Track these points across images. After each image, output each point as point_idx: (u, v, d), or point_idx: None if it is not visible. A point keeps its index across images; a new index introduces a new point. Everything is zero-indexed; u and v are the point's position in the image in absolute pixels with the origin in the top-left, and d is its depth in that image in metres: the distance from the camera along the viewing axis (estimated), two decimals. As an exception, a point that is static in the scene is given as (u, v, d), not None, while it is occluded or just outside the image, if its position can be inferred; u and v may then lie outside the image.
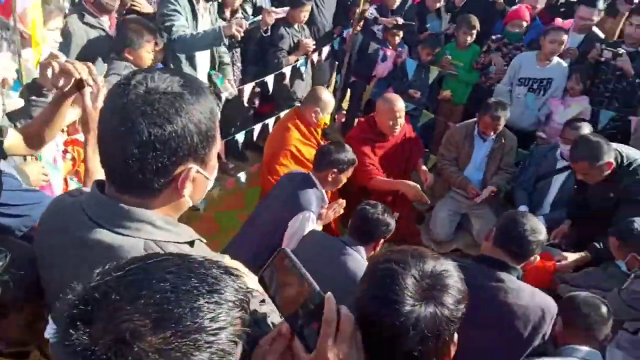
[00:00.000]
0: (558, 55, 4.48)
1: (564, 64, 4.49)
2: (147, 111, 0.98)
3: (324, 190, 3.02)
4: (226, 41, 3.83)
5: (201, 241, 1.15)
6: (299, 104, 4.07)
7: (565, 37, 4.37)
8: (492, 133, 4.02)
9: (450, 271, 1.02)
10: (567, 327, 2.34)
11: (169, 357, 0.62)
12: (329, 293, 0.86)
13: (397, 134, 3.91)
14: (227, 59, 4.21)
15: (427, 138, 5.02)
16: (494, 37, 5.03)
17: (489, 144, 4.13)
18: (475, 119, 4.16)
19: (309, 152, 3.51)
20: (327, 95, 3.68)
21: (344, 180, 3.08)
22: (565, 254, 3.29)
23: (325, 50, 5.11)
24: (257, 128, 4.41)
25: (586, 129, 3.73)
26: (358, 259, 2.53)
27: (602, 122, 4.32)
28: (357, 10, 5.01)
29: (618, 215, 3.17)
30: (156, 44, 3.29)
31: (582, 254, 3.30)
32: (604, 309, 2.31)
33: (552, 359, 2.31)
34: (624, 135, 4.20)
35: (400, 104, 3.79)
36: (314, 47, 4.85)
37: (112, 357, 0.60)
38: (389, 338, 0.94)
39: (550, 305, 2.25)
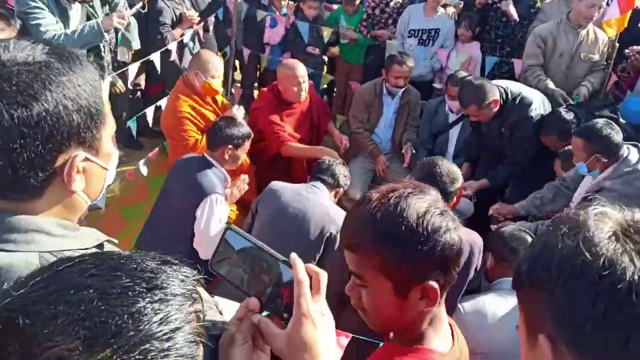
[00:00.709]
0: (443, 6, 4.61)
1: (449, 14, 4.62)
2: (5, 88, 0.78)
3: (223, 169, 2.88)
4: (107, 36, 3.46)
5: (111, 242, 0.94)
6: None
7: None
8: (403, 83, 4.01)
9: None
10: (498, 262, 2.43)
11: None
12: (292, 254, 0.80)
13: (303, 100, 3.81)
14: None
15: (329, 99, 4.98)
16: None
17: (397, 101, 4.15)
18: (381, 77, 4.14)
19: (209, 119, 3.34)
20: (208, 56, 3.42)
21: (243, 155, 2.95)
22: (465, 183, 3.42)
23: (211, 22, 4.81)
24: (150, 112, 4.02)
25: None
26: (318, 200, 2.71)
27: (488, 67, 4.54)
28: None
29: (510, 148, 3.44)
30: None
31: (481, 181, 3.56)
32: (530, 240, 2.41)
33: (484, 295, 2.40)
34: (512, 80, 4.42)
35: (301, 70, 3.70)
36: (198, 19, 4.55)
37: None
38: None
39: (475, 239, 2.36)
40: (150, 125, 4.15)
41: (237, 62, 5.49)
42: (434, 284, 1.00)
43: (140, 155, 4.20)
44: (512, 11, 4.39)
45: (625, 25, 4.04)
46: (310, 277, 0.79)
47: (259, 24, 5.06)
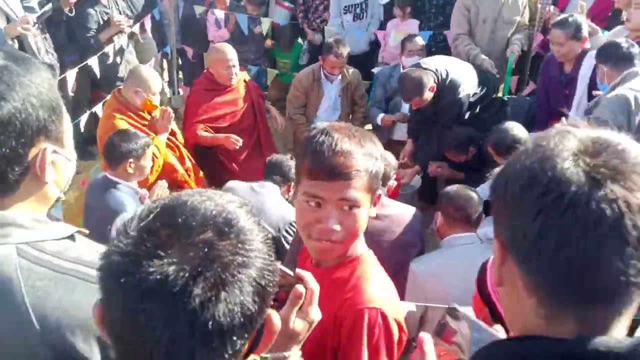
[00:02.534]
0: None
1: None
2: None
3: (131, 184, 2.81)
4: (9, 40, 3.40)
5: (81, 232, 1.02)
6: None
7: None
8: (339, 72, 4.14)
9: None
10: (446, 220, 2.54)
11: (240, 257, 0.67)
12: (298, 270, 0.94)
13: (235, 83, 3.88)
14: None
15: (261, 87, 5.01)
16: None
17: (337, 83, 4.26)
18: (318, 62, 4.24)
19: (148, 134, 3.22)
20: (147, 73, 3.35)
21: (149, 163, 2.88)
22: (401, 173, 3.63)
23: (148, 22, 4.76)
24: (84, 119, 3.94)
25: (420, 39, 4.18)
26: (271, 199, 2.84)
27: (424, 41, 4.68)
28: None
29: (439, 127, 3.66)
30: None
31: (415, 168, 3.78)
32: (474, 196, 2.55)
33: (435, 253, 2.53)
34: (448, 52, 4.54)
35: (231, 53, 3.75)
36: (131, 21, 4.48)
37: (202, 270, 0.64)
38: None
39: (405, 213, 2.59)
40: (82, 131, 4.02)
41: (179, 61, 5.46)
42: None
43: (91, 164, 4.16)
44: None
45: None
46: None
47: (199, 21, 5.03)
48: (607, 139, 0.70)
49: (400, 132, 4.28)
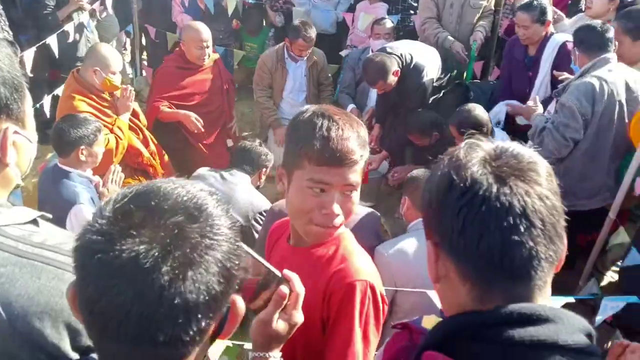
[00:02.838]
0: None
1: None
2: None
3: (84, 172, 2.68)
4: None
5: (44, 217, 0.99)
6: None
7: None
8: (306, 53, 4.11)
9: None
10: (414, 204, 2.57)
11: (208, 239, 0.71)
12: (286, 271, 0.97)
13: (206, 63, 3.84)
14: None
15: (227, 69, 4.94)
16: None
17: (303, 63, 4.22)
18: (282, 43, 4.20)
19: (109, 115, 3.20)
20: (106, 51, 3.22)
21: (101, 149, 2.73)
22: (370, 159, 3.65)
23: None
24: (47, 102, 3.79)
25: (388, 22, 4.19)
26: (242, 188, 2.83)
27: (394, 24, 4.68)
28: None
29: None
30: None
31: (382, 153, 3.82)
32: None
33: (403, 237, 2.53)
34: (415, 36, 4.55)
35: (206, 33, 3.72)
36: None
37: (172, 249, 0.68)
38: None
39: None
40: (48, 117, 3.89)
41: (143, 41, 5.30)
42: None
43: (49, 149, 4.00)
44: None
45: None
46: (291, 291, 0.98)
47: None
48: (505, 146, 0.85)
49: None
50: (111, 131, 3.13)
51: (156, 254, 0.67)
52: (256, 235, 2.72)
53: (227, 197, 2.71)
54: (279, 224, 1.53)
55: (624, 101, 2.80)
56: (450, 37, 4.05)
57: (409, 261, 2.38)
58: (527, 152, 0.84)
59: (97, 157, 2.70)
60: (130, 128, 3.31)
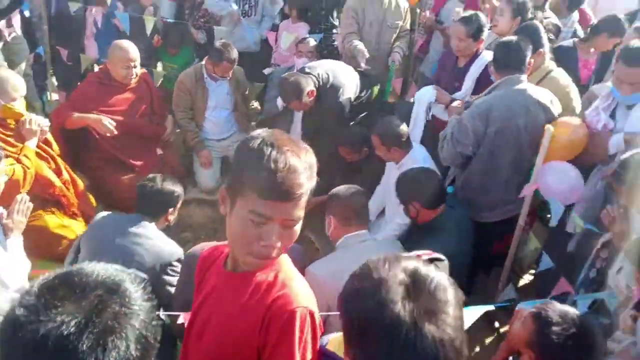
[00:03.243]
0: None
1: None
2: None
3: None
4: None
5: None
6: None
7: None
8: (230, 74, 4.12)
9: None
10: (340, 221, 2.57)
11: (126, 309, 0.81)
12: None
13: (133, 83, 3.76)
14: None
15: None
16: None
17: (224, 81, 4.19)
18: (200, 63, 4.17)
19: (13, 144, 2.96)
20: (4, 75, 2.97)
21: (2, 178, 2.52)
22: None
23: (17, 20, 4.31)
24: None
25: (312, 41, 4.32)
26: (149, 240, 2.55)
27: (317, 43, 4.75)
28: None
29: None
30: None
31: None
32: (359, 190, 2.65)
33: (332, 255, 2.55)
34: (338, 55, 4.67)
35: (134, 53, 3.66)
36: None
37: (93, 318, 0.76)
38: None
39: None
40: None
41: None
42: None
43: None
44: None
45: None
46: None
47: (74, 18, 4.67)
48: (424, 276, 0.95)
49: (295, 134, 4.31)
50: (17, 161, 2.91)
51: (79, 322, 0.74)
52: (170, 289, 2.51)
53: (130, 254, 2.47)
54: (210, 251, 1.48)
55: (522, 124, 2.86)
56: (356, 44, 4.11)
57: (340, 281, 2.37)
58: (445, 284, 0.95)
59: None
60: (41, 157, 3.10)
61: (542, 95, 2.94)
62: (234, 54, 3.98)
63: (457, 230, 2.84)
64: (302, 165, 1.15)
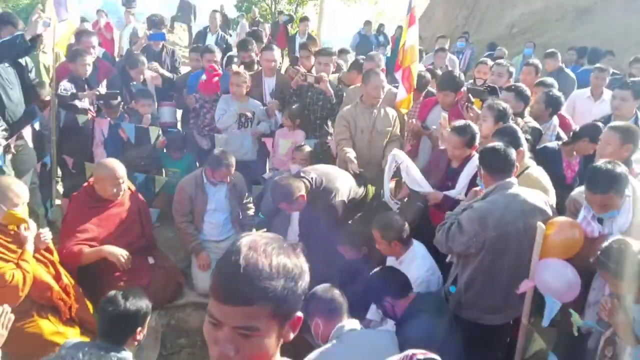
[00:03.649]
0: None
1: (258, 103, 5.14)
2: None
3: None
4: None
5: None
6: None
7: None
8: (228, 179, 4.32)
9: None
10: (325, 320, 2.66)
11: None
12: None
13: (120, 198, 3.86)
14: None
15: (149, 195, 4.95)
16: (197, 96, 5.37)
17: (221, 186, 4.38)
18: (200, 169, 4.40)
19: (13, 251, 3.01)
20: (5, 183, 3.05)
21: None
22: None
23: (28, 133, 4.55)
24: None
25: (307, 149, 4.61)
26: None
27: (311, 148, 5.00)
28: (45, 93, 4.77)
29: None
30: None
31: None
32: (332, 286, 2.76)
33: (328, 347, 2.55)
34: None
35: (121, 170, 3.77)
36: (6, 133, 4.30)
37: None
38: None
39: None
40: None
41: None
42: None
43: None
44: (328, 87, 4.98)
45: (411, 103, 4.88)
46: None
47: (82, 130, 4.94)
48: None
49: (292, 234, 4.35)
50: (18, 266, 2.94)
51: None
52: None
53: None
54: None
55: (521, 227, 2.92)
56: (346, 151, 4.31)
57: None
58: None
59: None
60: (40, 261, 3.14)
61: (536, 197, 3.04)
62: (232, 160, 4.21)
63: (436, 311, 2.89)
64: (270, 269, 1.03)
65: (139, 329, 2.44)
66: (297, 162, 4.52)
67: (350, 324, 2.64)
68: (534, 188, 3.17)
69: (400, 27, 11.37)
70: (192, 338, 4.00)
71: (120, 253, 3.64)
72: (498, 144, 3.12)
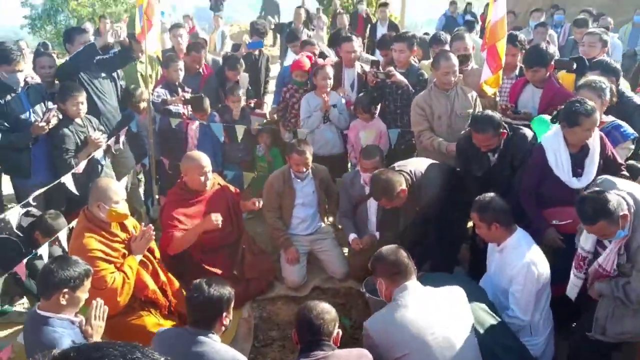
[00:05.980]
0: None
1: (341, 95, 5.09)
2: None
3: (66, 314, 2.54)
4: None
5: None
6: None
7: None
8: (304, 169, 4.27)
9: None
10: (388, 279, 2.71)
11: None
12: None
13: (209, 188, 4.05)
14: None
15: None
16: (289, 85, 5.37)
17: (308, 181, 4.38)
18: (287, 164, 4.40)
19: (120, 252, 3.24)
20: (105, 183, 3.29)
21: (83, 296, 2.59)
22: None
23: (123, 135, 4.90)
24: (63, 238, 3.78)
25: (377, 155, 4.21)
26: (213, 348, 2.45)
27: (392, 139, 4.88)
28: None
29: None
30: None
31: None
32: (399, 248, 2.80)
33: (386, 310, 2.64)
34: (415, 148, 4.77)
35: (205, 160, 3.97)
36: (106, 135, 4.61)
37: None
38: None
39: None
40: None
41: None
42: None
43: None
44: (401, 78, 4.83)
45: (500, 82, 4.56)
46: None
47: (176, 132, 5.20)
48: None
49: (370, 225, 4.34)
50: (119, 269, 3.15)
51: None
52: None
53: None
54: None
55: None
56: (443, 142, 4.16)
57: (400, 329, 2.53)
58: None
59: (78, 303, 2.58)
60: (140, 262, 3.34)
61: None
62: (305, 147, 4.21)
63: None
64: None
65: (224, 314, 2.56)
66: (368, 170, 4.10)
67: (413, 284, 2.66)
68: None
69: (487, 5, 10.73)
70: (282, 331, 4.08)
71: (212, 218, 3.77)
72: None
